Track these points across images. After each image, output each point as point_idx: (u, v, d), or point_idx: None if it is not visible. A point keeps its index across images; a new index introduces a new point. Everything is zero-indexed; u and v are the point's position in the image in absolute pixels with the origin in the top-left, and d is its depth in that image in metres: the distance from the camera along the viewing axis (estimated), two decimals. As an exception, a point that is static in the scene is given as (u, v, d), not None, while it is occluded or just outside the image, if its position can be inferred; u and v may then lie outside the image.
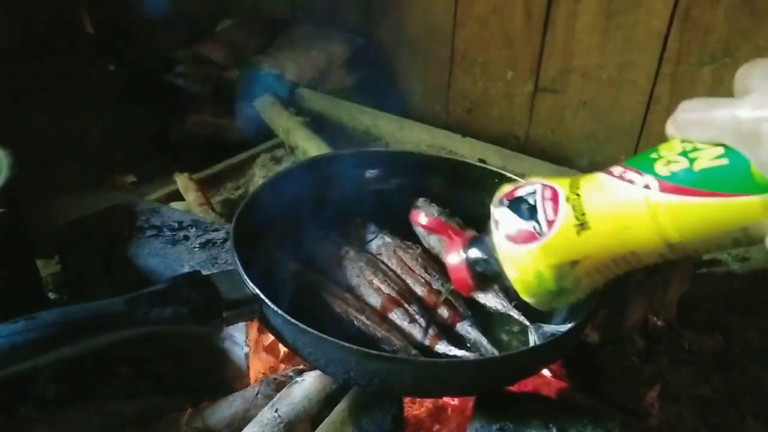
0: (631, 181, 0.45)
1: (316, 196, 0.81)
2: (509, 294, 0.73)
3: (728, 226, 0.43)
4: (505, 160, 1.26)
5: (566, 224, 0.48)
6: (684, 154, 0.43)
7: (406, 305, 0.70)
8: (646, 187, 0.44)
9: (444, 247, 0.60)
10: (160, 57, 1.51)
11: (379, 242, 0.79)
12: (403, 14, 1.51)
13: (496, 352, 0.67)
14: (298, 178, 0.81)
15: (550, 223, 0.49)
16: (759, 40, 1.08)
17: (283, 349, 0.76)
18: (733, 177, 0.41)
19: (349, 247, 0.77)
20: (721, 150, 0.42)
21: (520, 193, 0.52)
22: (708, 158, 0.42)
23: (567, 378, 0.78)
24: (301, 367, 0.76)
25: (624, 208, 0.46)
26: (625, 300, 0.80)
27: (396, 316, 0.69)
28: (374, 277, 0.73)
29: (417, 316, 0.69)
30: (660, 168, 0.44)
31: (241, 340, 0.73)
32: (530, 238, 0.50)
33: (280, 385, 0.71)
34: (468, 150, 1.27)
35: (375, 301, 0.71)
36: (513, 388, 0.69)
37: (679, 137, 0.44)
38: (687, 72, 1.17)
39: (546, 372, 0.77)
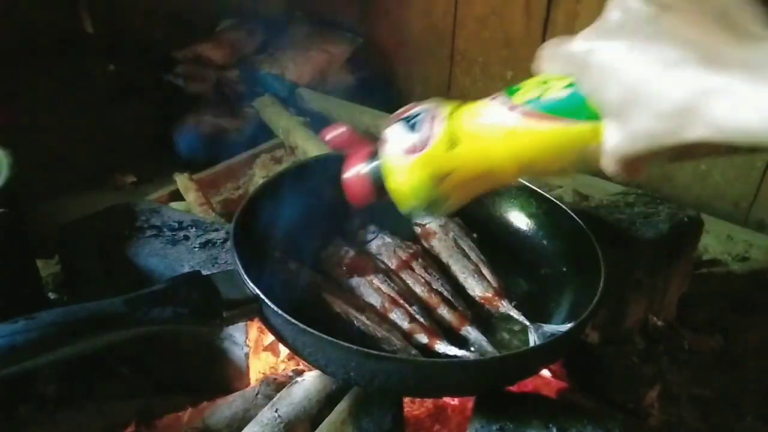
0: (498, 103, 0.51)
1: (316, 196, 0.81)
2: (510, 294, 0.73)
3: (567, 148, 0.48)
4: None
5: (440, 140, 0.54)
6: (539, 85, 0.49)
7: (406, 305, 0.70)
8: (507, 110, 0.50)
9: (345, 161, 0.62)
10: (160, 57, 1.51)
11: (379, 242, 0.79)
12: (403, 14, 1.51)
13: (496, 352, 0.67)
14: (298, 178, 0.81)
15: (427, 139, 0.54)
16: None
17: (283, 349, 0.76)
18: (571, 105, 0.46)
19: (349, 247, 0.77)
20: (566, 82, 0.46)
21: (410, 111, 0.57)
22: (555, 89, 0.47)
23: (567, 378, 0.78)
24: (301, 367, 0.76)
25: (486, 128, 0.52)
26: (625, 300, 0.80)
27: (396, 316, 0.69)
28: (374, 277, 0.73)
29: (417, 316, 0.69)
30: (518, 96, 0.50)
31: (241, 340, 0.73)
32: (410, 150, 0.55)
33: (280, 385, 0.71)
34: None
35: (375, 301, 0.71)
36: (513, 388, 0.69)
37: (539, 71, 0.49)
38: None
39: (546, 372, 0.77)
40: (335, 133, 0.67)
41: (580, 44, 0.44)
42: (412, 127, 0.55)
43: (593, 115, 0.44)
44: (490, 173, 0.53)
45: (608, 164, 0.44)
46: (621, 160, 0.43)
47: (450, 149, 0.53)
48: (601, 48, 0.42)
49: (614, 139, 0.42)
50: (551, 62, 0.47)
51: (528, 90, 0.50)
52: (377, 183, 0.59)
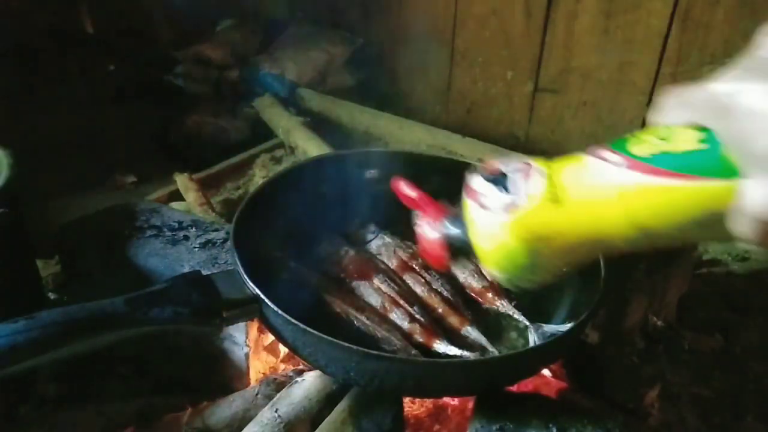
0: (605, 160, 0.45)
1: (316, 196, 0.81)
2: (509, 294, 0.73)
3: (694, 210, 0.41)
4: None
5: (541, 199, 0.48)
6: (660, 137, 0.43)
7: (406, 305, 0.70)
8: (618, 165, 0.44)
9: (418, 220, 0.61)
10: (160, 57, 1.51)
11: (379, 242, 0.79)
12: (403, 14, 1.51)
13: (496, 352, 0.67)
14: (297, 178, 0.81)
15: (526, 197, 0.49)
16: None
17: (283, 349, 0.76)
18: (703, 159, 0.40)
19: (349, 247, 0.77)
20: (695, 133, 0.41)
21: (499, 167, 0.52)
22: (681, 141, 0.41)
23: (567, 378, 0.78)
24: (301, 367, 0.76)
25: (596, 186, 0.46)
26: (625, 300, 0.80)
27: (396, 316, 0.69)
28: (374, 277, 0.73)
29: (417, 316, 0.69)
30: (633, 148, 0.44)
31: (241, 340, 0.73)
32: (505, 210, 0.50)
33: (280, 385, 0.71)
34: (468, 150, 1.27)
35: (375, 301, 0.71)
36: (513, 388, 0.69)
37: (659, 122, 0.44)
38: (687, 72, 1.17)
39: (546, 372, 0.77)
40: (406, 194, 0.64)
41: (721, 87, 0.38)
42: (504, 186, 0.50)
43: (730, 172, 0.38)
44: (600, 237, 0.47)
45: (744, 227, 0.38)
46: (764, 223, 0.37)
47: (551, 210, 0.48)
48: (750, 90, 0.36)
49: (759, 198, 0.36)
50: (678, 110, 0.42)
51: (645, 143, 0.44)
52: (460, 246, 0.55)
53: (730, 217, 0.39)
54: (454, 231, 0.56)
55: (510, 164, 0.51)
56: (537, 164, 0.50)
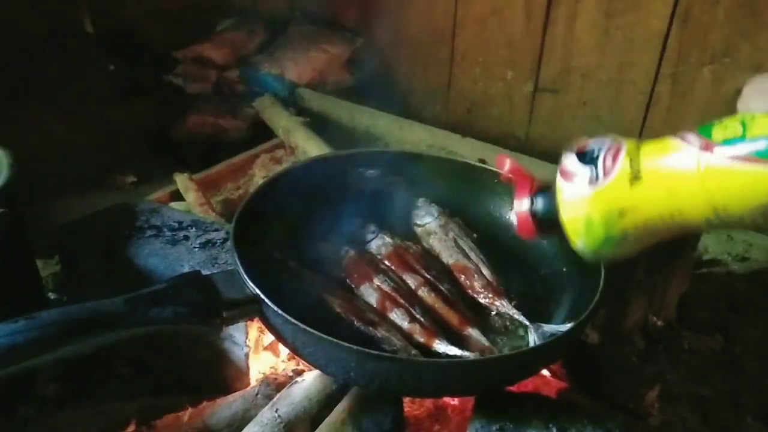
0: (688, 142, 0.49)
1: (316, 196, 0.81)
2: (509, 294, 0.73)
3: (764, 194, 0.45)
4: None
5: (621, 174, 0.52)
6: (743, 123, 0.46)
7: (406, 305, 0.70)
8: (697, 147, 0.48)
9: (513, 192, 0.63)
10: (160, 57, 1.51)
11: (379, 242, 0.79)
12: (403, 14, 1.51)
13: (496, 352, 0.67)
14: (297, 178, 0.81)
15: (607, 172, 0.53)
16: (759, 40, 1.08)
17: (283, 349, 0.76)
18: None
19: (349, 247, 0.77)
20: None
21: (589, 144, 0.56)
22: (759, 127, 0.45)
23: (567, 378, 0.78)
24: (301, 367, 0.76)
25: (676, 166, 0.49)
26: (625, 300, 0.80)
27: (396, 316, 0.69)
28: (374, 277, 0.73)
29: (417, 316, 0.69)
30: (717, 133, 0.47)
31: (241, 340, 0.73)
32: (587, 183, 0.53)
33: (280, 385, 0.71)
34: (468, 150, 1.27)
35: (375, 301, 0.71)
36: (513, 388, 0.69)
37: (744, 109, 0.47)
38: (687, 72, 1.17)
39: (546, 372, 0.77)
40: (505, 166, 0.65)
41: None
42: (591, 162, 0.54)
43: None
44: (677, 214, 0.51)
45: None
46: None
47: (632, 186, 0.52)
48: None
49: None
50: (758, 98, 0.45)
51: (728, 129, 0.47)
52: (548, 217, 0.58)
53: None
54: (542, 205, 0.60)
55: (599, 142, 0.55)
56: (624, 143, 0.54)
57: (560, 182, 0.56)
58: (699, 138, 0.48)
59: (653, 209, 0.52)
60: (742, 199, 0.47)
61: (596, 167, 0.53)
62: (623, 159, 0.52)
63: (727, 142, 0.47)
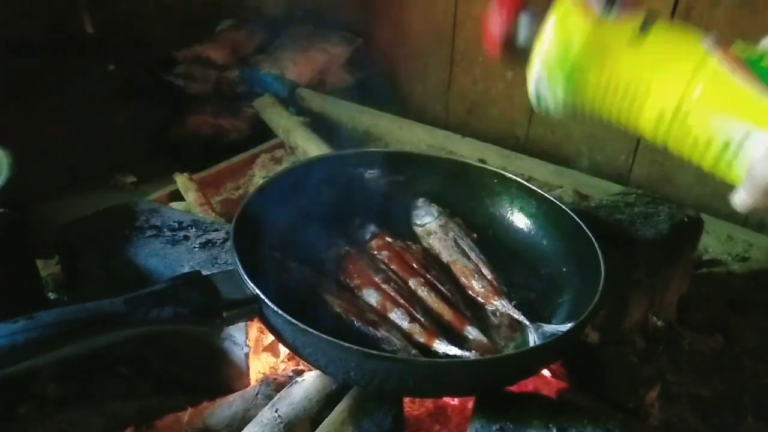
0: (708, 37, 0.49)
1: (315, 196, 0.81)
2: (509, 294, 0.73)
3: (740, 117, 0.46)
4: (505, 160, 1.26)
5: (631, 23, 0.51)
6: (764, 53, 0.48)
7: (406, 305, 0.70)
8: (716, 43, 0.48)
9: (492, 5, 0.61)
10: (160, 57, 1.51)
11: (379, 242, 0.79)
12: (403, 14, 1.51)
13: (496, 352, 0.67)
14: (297, 178, 0.81)
15: (619, 14, 0.51)
16: (759, 41, 1.08)
17: (283, 349, 0.76)
18: None
19: (348, 247, 0.77)
20: None
21: None
22: None
23: (567, 378, 0.78)
24: (301, 367, 0.76)
25: (682, 44, 0.49)
26: (625, 300, 0.80)
27: (396, 316, 0.69)
28: (374, 277, 0.73)
29: (417, 316, 0.69)
30: (737, 47, 0.49)
31: (241, 340, 0.73)
32: (594, 12, 0.51)
33: (280, 385, 0.71)
34: (468, 150, 1.27)
35: (375, 301, 0.71)
36: (513, 388, 0.69)
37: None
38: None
39: (546, 372, 0.77)
40: None
41: None
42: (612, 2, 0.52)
43: None
44: (643, 91, 0.50)
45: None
46: None
47: (633, 40, 0.50)
48: None
49: None
50: None
51: (749, 51, 0.48)
52: (521, 41, 0.57)
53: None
54: (523, 27, 0.57)
55: None
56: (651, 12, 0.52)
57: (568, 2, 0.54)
58: (719, 40, 0.49)
59: (630, 71, 0.51)
60: (711, 110, 0.47)
61: (613, 5, 0.52)
62: (642, 11, 0.51)
63: (740, 53, 0.48)
